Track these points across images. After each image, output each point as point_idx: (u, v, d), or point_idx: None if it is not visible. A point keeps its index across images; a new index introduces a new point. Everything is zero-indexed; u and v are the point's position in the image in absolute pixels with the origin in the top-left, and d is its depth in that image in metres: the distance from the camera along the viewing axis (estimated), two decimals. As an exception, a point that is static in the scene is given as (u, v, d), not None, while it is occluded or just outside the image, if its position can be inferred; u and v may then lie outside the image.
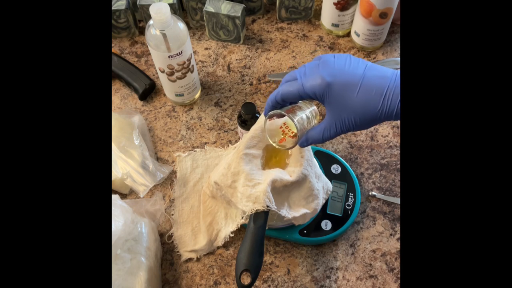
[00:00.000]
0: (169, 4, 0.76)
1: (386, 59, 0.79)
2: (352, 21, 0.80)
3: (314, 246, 0.64)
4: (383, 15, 0.72)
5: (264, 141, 0.59)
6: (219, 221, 0.64)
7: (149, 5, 0.77)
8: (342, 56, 0.47)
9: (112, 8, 0.77)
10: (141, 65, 0.81)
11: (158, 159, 0.72)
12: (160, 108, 0.76)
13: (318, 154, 0.68)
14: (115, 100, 0.77)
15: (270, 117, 0.51)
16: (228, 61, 0.81)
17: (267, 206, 0.54)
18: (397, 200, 0.66)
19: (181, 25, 0.63)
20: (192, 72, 0.70)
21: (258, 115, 0.65)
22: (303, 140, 0.50)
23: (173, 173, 0.70)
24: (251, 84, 0.78)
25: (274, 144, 0.53)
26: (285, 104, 0.50)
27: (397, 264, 0.63)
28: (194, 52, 0.82)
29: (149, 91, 0.77)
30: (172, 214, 0.67)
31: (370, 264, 0.63)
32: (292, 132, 0.53)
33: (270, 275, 0.62)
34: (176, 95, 0.73)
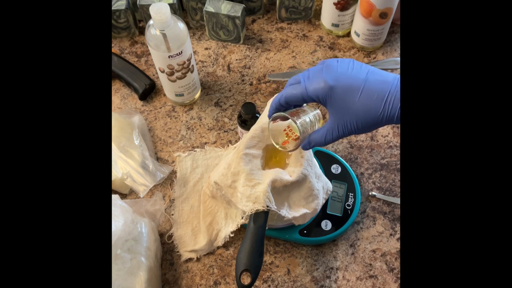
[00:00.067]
0: (169, 4, 0.76)
1: (386, 59, 0.79)
2: (352, 21, 0.80)
3: (314, 246, 0.64)
4: (383, 15, 0.72)
5: (264, 141, 0.59)
6: (219, 221, 0.64)
7: (149, 5, 0.77)
8: (345, 61, 0.48)
9: (112, 8, 0.77)
10: (141, 65, 0.81)
11: (158, 159, 0.72)
12: (160, 108, 0.76)
13: (318, 154, 0.68)
14: (115, 100, 0.77)
15: (274, 119, 0.52)
16: (228, 61, 0.81)
17: (267, 206, 0.54)
18: (397, 200, 0.66)
19: (181, 25, 0.63)
20: (192, 72, 0.70)
21: (258, 115, 0.65)
22: (305, 142, 0.51)
23: (173, 173, 0.70)
24: (251, 84, 0.78)
25: (277, 146, 0.53)
26: (289, 106, 0.51)
27: (397, 264, 0.63)
28: (194, 52, 0.82)
29: (149, 91, 0.77)
30: (172, 214, 0.67)
31: (370, 264, 0.63)
32: (295, 135, 0.53)
33: (270, 275, 0.62)
34: (176, 95, 0.73)
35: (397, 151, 0.71)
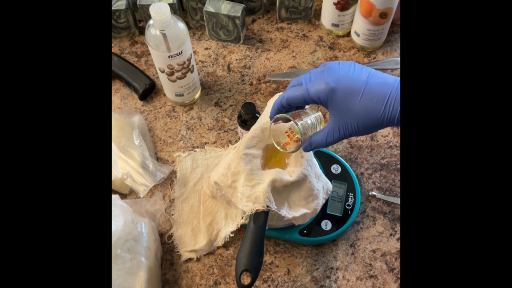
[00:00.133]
0: (169, 4, 0.76)
1: (386, 59, 0.79)
2: (352, 21, 0.80)
3: (314, 246, 0.64)
4: (383, 15, 0.72)
5: (264, 141, 0.59)
6: (219, 221, 0.64)
7: (149, 5, 0.77)
8: (347, 63, 0.48)
9: (112, 8, 0.77)
10: (141, 65, 0.81)
11: (158, 159, 0.72)
12: (160, 108, 0.76)
13: (318, 154, 0.68)
14: (115, 100, 0.77)
15: (276, 121, 0.52)
16: (228, 61, 0.81)
17: (267, 206, 0.54)
18: (397, 200, 0.66)
19: (181, 25, 0.63)
20: (192, 72, 0.70)
21: (258, 115, 0.65)
22: (307, 144, 0.51)
23: (173, 173, 0.70)
24: (251, 84, 0.78)
25: (278, 147, 0.53)
26: (291, 108, 0.51)
27: (397, 264, 0.63)
28: (194, 52, 0.82)
29: (149, 91, 0.77)
30: (172, 214, 0.67)
31: (370, 264, 0.63)
32: (297, 137, 0.54)
33: (270, 275, 0.62)
34: (176, 95, 0.73)
35: (397, 151, 0.71)
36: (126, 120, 0.71)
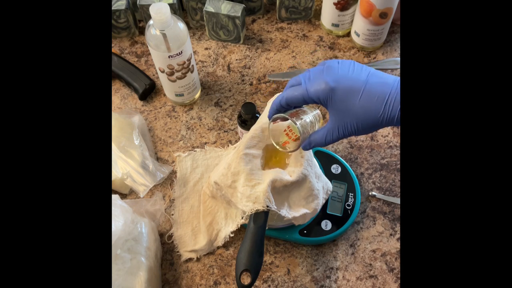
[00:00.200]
0: (169, 4, 0.76)
1: (386, 59, 0.79)
2: (352, 21, 0.80)
3: (314, 246, 0.64)
4: (383, 15, 0.72)
5: (264, 141, 0.59)
6: (219, 221, 0.64)
7: (149, 5, 0.77)
8: (346, 62, 0.48)
9: (112, 8, 0.77)
10: (141, 65, 0.81)
11: (158, 159, 0.72)
12: (160, 108, 0.76)
13: (318, 154, 0.68)
14: (115, 100, 0.77)
15: (274, 120, 0.52)
16: (228, 61, 0.81)
17: (267, 206, 0.54)
18: (397, 200, 0.66)
19: (181, 25, 0.63)
20: (192, 72, 0.70)
21: (258, 115, 0.65)
22: (306, 143, 0.51)
23: (173, 173, 0.70)
24: (251, 84, 0.78)
25: (277, 147, 0.53)
26: (290, 107, 0.51)
27: (397, 264, 0.63)
28: (194, 52, 0.82)
29: (149, 91, 0.77)
30: (172, 214, 0.67)
31: (370, 264, 0.63)
32: (296, 136, 0.53)
33: (270, 275, 0.62)
34: (176, 95, 0.73)
35: (397, 151, 0.71)
36: (126, 120, 0.71)
